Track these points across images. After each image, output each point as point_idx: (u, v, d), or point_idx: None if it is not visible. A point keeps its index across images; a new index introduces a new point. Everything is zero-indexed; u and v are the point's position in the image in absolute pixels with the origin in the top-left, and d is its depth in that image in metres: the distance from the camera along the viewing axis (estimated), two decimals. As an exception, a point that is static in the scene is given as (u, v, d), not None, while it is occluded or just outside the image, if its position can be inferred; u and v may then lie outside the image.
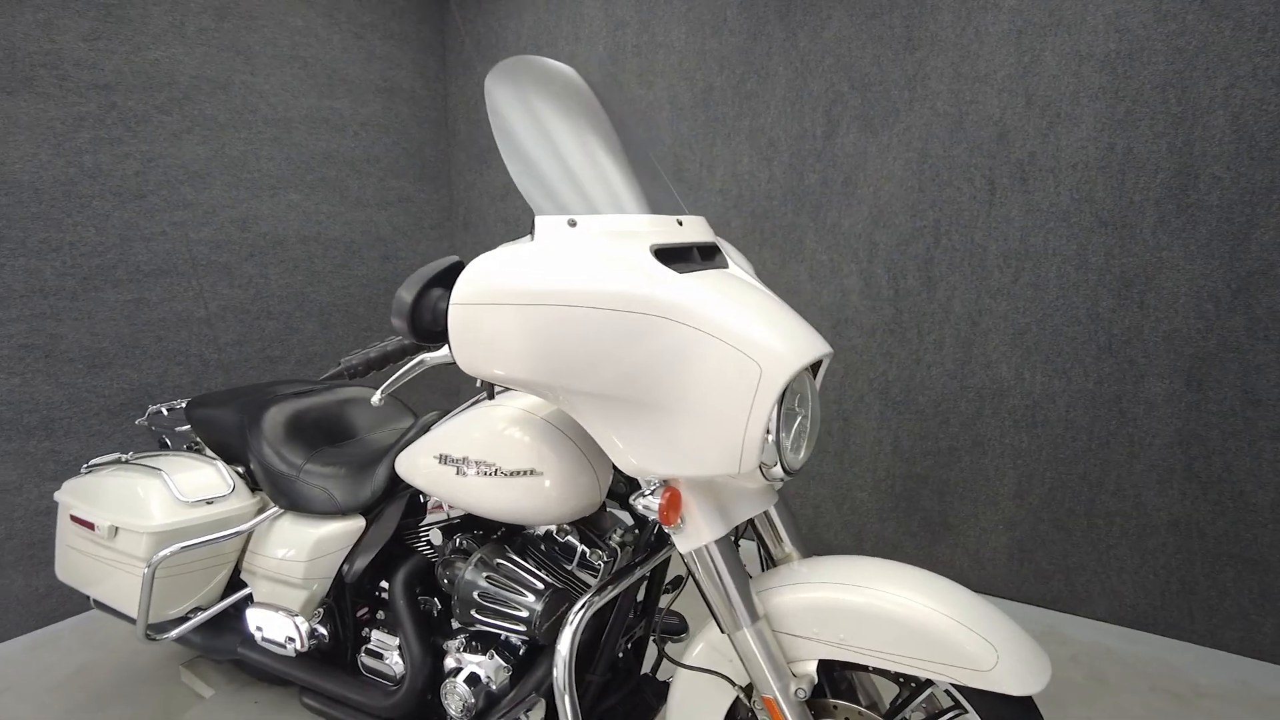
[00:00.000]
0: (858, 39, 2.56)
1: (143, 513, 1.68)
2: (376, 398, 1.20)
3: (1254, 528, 2.19)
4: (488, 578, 1.39)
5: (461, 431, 1.41)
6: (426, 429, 1.64)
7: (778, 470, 1.11)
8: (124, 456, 1.95)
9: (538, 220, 1.18)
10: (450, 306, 1.07)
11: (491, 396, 1.27)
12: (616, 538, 1.46)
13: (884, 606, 1.19)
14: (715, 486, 1.23)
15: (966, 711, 1.21)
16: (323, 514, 1.67)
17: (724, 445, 1.08)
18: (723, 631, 1.25)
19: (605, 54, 3.06)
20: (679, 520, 1.18)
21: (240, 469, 1.85)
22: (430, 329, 1.12)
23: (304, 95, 3.00)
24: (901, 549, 2.76)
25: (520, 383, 1.09)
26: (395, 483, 1.64)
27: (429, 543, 1.64)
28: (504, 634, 1.47)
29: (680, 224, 1.26)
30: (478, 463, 1.36)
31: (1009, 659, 1.11)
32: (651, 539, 1.43)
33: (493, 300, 1.05)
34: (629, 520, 1.52)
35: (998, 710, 1.17)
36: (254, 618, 1.71)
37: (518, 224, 3.41)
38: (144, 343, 2.62)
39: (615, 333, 1.06)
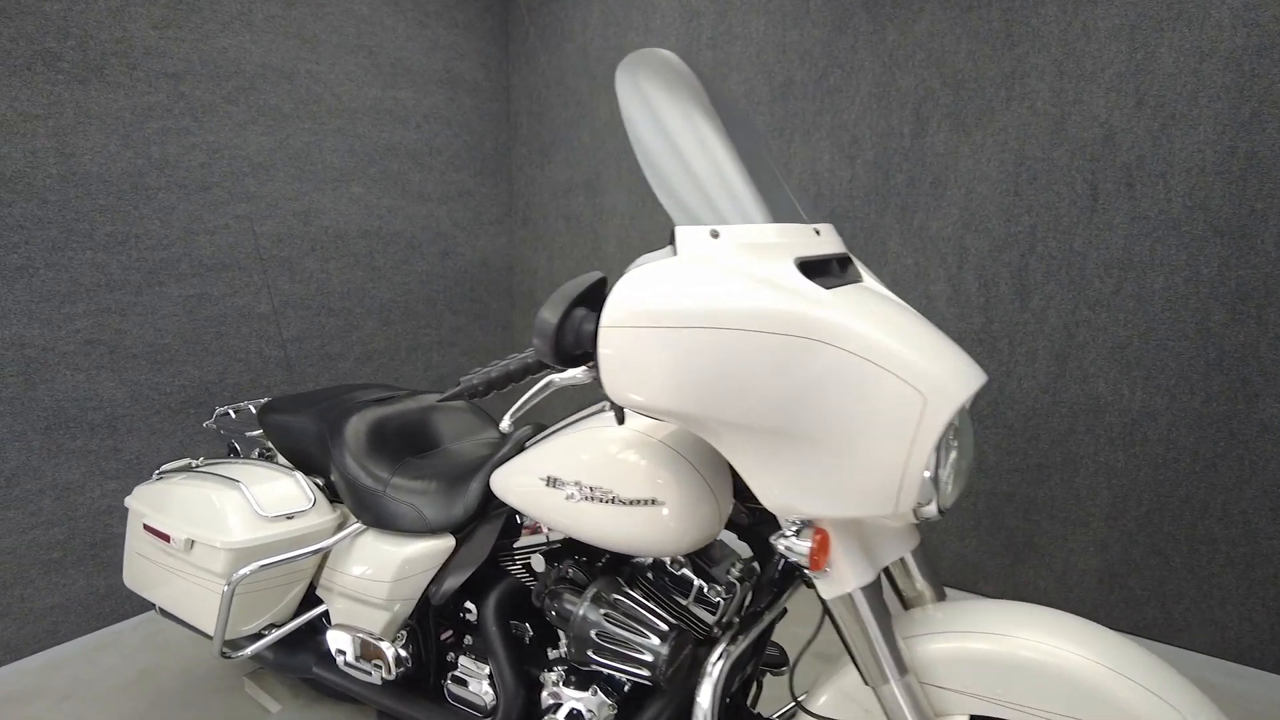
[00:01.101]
0: (952, 33, 2.43)
1: (221, 527, 1.61)
2: (506, 423, 1.11)
3: (1377, 561, 2.05)
4: (606, 615, 1.30)
5: (571, 454, 1.32)
6: (522, 446, 1.55)
7: (931, 509, 1.01)
8: (194, 462, 1.88)
9: (678, 232, 1.08)
10: (600, 330, 0.98)
11: (622, 420, 1.18)
12: (735, 571, 1.36)
13: (1049, 661, 1.08)
14: (860, 526, 1.13)
15: None
16: (410, 532, 1.59)
17: (881, 483, 0.99)
18: (867, 683, 1.15)
19: (678, 45, 2.96)
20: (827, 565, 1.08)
21: (319, 480, 1.78)
22: (570, 352, 1.03)
23: (368, 85, 2.93)
24: (981, 569, 2.64)
25: (669, 412, 1.00)
26: (488, 501, 1.56)
27: (527, 567, 1.56)
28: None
29: (818, 233, 1.16)
30: (592, 488, 1.28)
31: None
32: (776, 576, 1.33)
33: (645, 323, 0.96)
34: (743, 550, 1.43)
35: None
36: (336, 640, 1.64)
37: (579, 221, 3.32)
38: (205, 339, 2.56)
39: (768, 357, 0.97)
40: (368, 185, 2.97)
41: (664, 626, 1.26)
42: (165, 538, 1.69)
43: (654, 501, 1.24)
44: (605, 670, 1.31)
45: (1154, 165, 2.19)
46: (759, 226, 1.10)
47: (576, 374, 1.14)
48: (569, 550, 1.49)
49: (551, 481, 1.33)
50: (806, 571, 1.13)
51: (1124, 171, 2.23)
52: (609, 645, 1.27)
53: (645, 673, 1.24)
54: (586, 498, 1.28)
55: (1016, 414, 2.49)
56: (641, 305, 0.96)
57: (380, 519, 1.61)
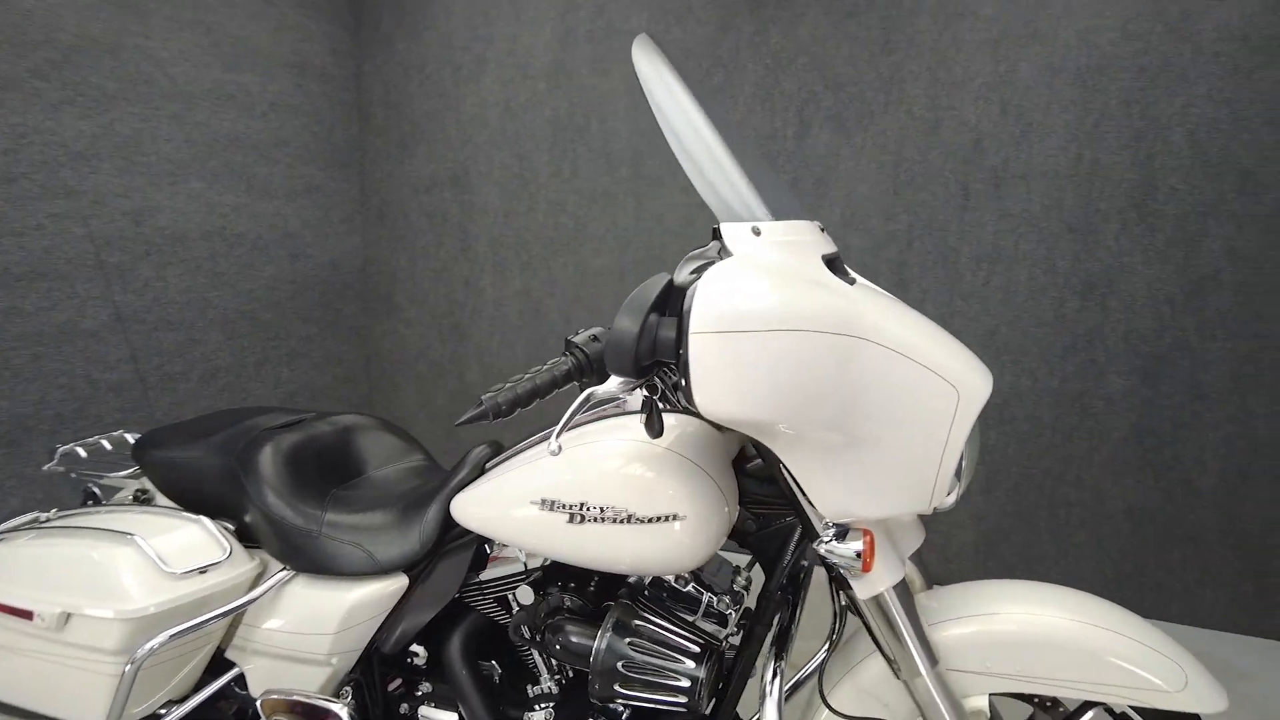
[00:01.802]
0: (833, 38, 2.54)
1: (115, 592, 1.31)
2: (555, 444, 0.99)
3: (1197, 510, 2.39)
4: (631, 644, 1.19)
5: (571, 472, 1.21)
6: (481, 468, 1.41)
7: (950, 500, 1.05)
8: (44, 516, 1.53)
9: (724, 229, 1.03)
10: (690, 336, 0.89)
11: (660, 433, 1.09)
12: (741, 580, 1.31)
13: (1057, 634, 1.14)
14: (888, 524, 1.13)
15: None
16: (352, 574, 1.39)
17: (920, 478, 1.00)
18: (899, 677, 1.15)
19: (553, 38, 2.85)
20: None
21: (228, 525, 1.51)
22: (640, 362, 0.94)
23: (207, 66, 2.56)
24: (870, 548, 2.78)
25: (756, 422, 0.93)
26: (445, 532, 1.40)
27: (500, 600, 1.42)
28: (630, 705, 1.28)
29: (822, 229, 1.13)
30: (603, 508, 1.17)
31: (1198, 680, 1.10)
32: (784, 581, 1.29)
33: (735, 326, 0.89)
34: (735, 560, 1.38)
35: None
36: (272, 709, 1.40)
37: (445, 219, 3.12)
38: (16, 362, 2.12)
39: (831, 356, 0.95)
40: (208, 180, 2.60)
41: (694, 648, 1.19)
42: (23, 614, 1.36)
43: (675, 516, 1.16)
44: (631, 704, 1.21)
45: (1017, 168, 2.41)
46: (789, 223, 1.07)
47: (612, 386, 1.04)
48: (551, 577, 1.37)
49: (549, 504, 1.21)
50: (845, 574, 1.11)
51: (991, 174, 2.44)
52: (638, 676, 1.18)
53: (682, 699, 1.16)
54: (596, 519, 1.18)
55: (900, 401, 2.65)
56: (730, 307, 0.89)
57: (316, 563, 1.40)
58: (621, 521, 1.17)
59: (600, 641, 1.19)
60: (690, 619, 1.31)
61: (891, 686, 1.23)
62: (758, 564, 1.36)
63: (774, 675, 1.13)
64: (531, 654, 1.41)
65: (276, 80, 2.81)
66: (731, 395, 0.90)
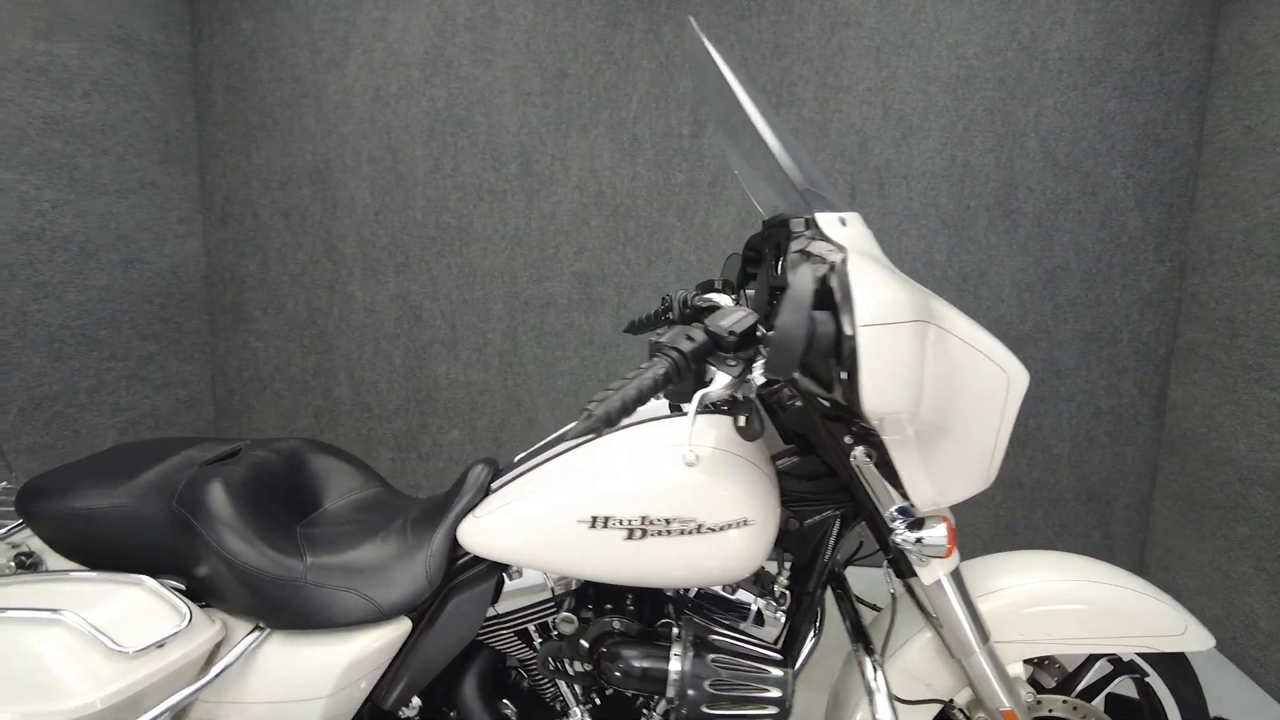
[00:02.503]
0: (726, 40, 2.58)
1: (59, 689, 1.02)
2: (691, 454, 0.89)
3: (1057, 473, 2.69)
4: (714, 660, 1.12)
5: (627, 484, 1.12)
6: (486, 489, 1.27)
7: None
8: None
9: (820, 219, 1.00)
10: (859, 330, 0.85)
11: (759, 435, 1.01)
12: (784, 581, 1.28)
13: (1074, 596, 1.23)
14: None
15: (1147, 675, 1.30)
16: (344, 624, 1.20)
17: (982, 460, 1.07)
18: (954, 655, 1.18)
19: (429, 24, 2.66)
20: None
21: (175, 583, 1.23)
22: (803, 361, 0.88)
23: (12, 30, 2.12)
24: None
25: (905, 416, 0.92)
26: (450, 565, 1.25)
27: (520, 633, 1.28)
28: None
29: (844, 223, 1.14)
30: (667, 520, 1.10)
31: (1191, 623, 1.22)
32: (825, 578, 1.27)
33: (893, 318, 0.87)
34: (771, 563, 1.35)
35: (1171, 668, 1.28)
36: None
37: (305, 218, 2.81)
38: None
39: (936, 345, 0.97)
40: (23, 171, 2.16)
41: (775, 655, 1.14)
42: None
43: (744, 522, 1.11)
44: None
45: (898, 169, 2.58)
46: (856, 214, 1.07)
47: (718, 387, 0.97)
48: (582, 601, 1.26)
49: (600, 522, 1.11)
50: (915, 561, 1.12)
51: (876, 174, 2.59)
52: (726, 693, 1.11)
53: (773, 710, 1.10)
54: (660, 532, 1.10)
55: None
56: (886, 299, 0.87)
57: (302, 616, 1.18)
58: (690, 533, 1.10)
59: (681, 663, 1.11)
60: (741, 626, 1.27)
61: (933, 667, 1.25)
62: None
63: (875, 669, 1.11)
64: (556, 686, 1.28)
65: (100, 55, 2.38)
66: (896, 387, 0.87)
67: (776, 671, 1.12)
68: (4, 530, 1.29)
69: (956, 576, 1.15)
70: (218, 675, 1.15)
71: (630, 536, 1.11)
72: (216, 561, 1.17)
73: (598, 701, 1.28)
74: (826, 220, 1.00)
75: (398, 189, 2.76)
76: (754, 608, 1.24)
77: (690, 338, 0.98)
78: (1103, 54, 2.45)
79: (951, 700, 1.26)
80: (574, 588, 1.25)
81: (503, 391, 2.84)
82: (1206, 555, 2.30)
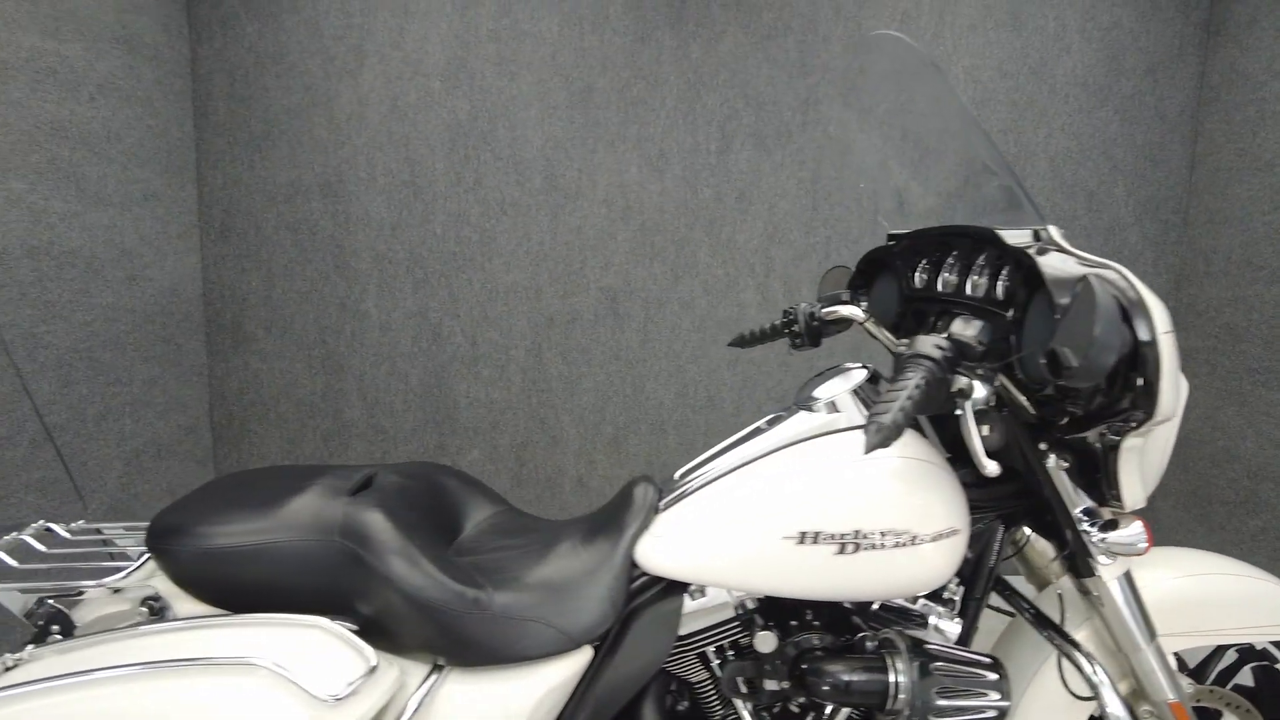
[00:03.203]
0: (753, 58, 2.61)
1: None
2: (993, 467, 0.89)
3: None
4: (938, 669, 1.12)
5: (834, 498, 1.12)
6: (654, 507, 1.25)
7: None
8: (13, 658, 1.05)
9: (1051, 229, 1.04)
10: (1159, 337, 0.88)
11: (998, 443, 1.02)
12: (953, 586, 1.30)
13: (1215, 588, 1.30)
14: None
15: (1278, 662, 1.38)
16: (526, 658, 1.14)
17: (1165, 462, 1.12)
18: (1119, 651, 1.22)
19: (450, 34, 2.59)
20: None
21: (345, 623, 1.14)
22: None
23: (22, 28, 1.95)
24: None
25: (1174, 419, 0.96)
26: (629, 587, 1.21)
27: (701, 656, 1.26)
28: None
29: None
30: (883, 533, 1.10)
31: None
32: (990, 583, 1.30)
33: (1172, 324, 0.90)
34: None
35: None
36: None
37: (314, 233, 2.68)
38: None
39: None
40: (32, 180, 1.98)
41: (986, 660, 1.15)
42: None
43: (953, 532, 1.13)
44: None
45: (918, 186, 2.67)
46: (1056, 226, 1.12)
47: (981, 394, 0.98)
48: (767, 616, 1.25)
49: (810, 537, 1.11)
50: (1101, 560, 1.16)
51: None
52: (951, 703, 1.11)
53: (993, 714, 1.12)
54: (874, 545, 1.10)
55: (822, 404, 2.79)
56: (1161, 305, 0.90)
57: (488, 651, 1.12)
58: (903, 545, 1.10)
59: (906, 675, 1.11)
60: (910, 632, 1.27)
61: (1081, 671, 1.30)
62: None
63: (1094, 665, 1.14)
64: (725, 707, 1.26)
65: (104, 57, 2.21)
66: (1180, 390, 0.92)
67: (993, 675, 1.14)
68: (124, 574, 1.17)
69: (1128, 575, 1.20)
70: (414, 717, 1.08)
71: (842, 551, 1.11)
72: (394, 597, 1.10)
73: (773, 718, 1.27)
74: (1056, 231, 1.04)
75: (416, 203, 2.67)
76: (932, 616, 1.26)
77: (940, 347, 0.99)
78: (1104, 80, 2.61)
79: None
80: (752, 606, 1.24)
81: (526, 409, 2.78)
82: (1216, 547, 2.47)
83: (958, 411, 1.03)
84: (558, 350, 2.76)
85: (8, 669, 1.04)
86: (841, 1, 2.58)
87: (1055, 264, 1.02)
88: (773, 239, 2.70)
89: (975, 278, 1.29)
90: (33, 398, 1.65)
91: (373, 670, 1.05)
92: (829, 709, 1.24)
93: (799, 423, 1.28)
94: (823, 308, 1.55)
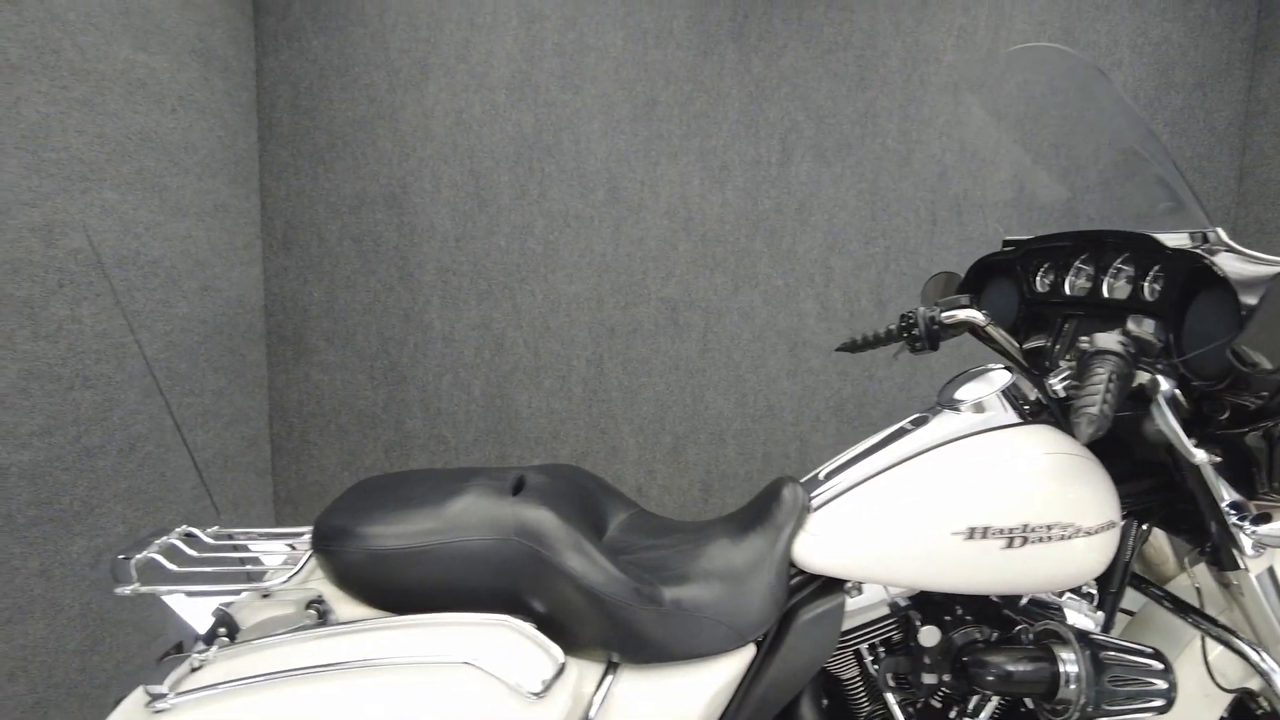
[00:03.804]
0: (813, 72, 2.66)
1: None
2: (1202, 455, 0.92)
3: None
4: (1108, 658, 1.14)
5: (998, 493, 1.15)
6: (806, 506, 1.27)
7: None
8: (201, 656, 1.05)
9: (1220, 232, 1.08)
10: None
11: (1159, 436, 1.05)
12: (1091, 581, 1.32)
13: None
14: None
15: None
16: (696, 655, 1.16)
17: None
18: (1261, 643, 1.25)
19: (516, 48, 2.62)
20: None
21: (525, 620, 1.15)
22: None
23: (118, 40, 1.95)
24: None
25: None
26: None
27: (856, 653, 1.27)
28: None
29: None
30: (1049, 527, 1.13)
31: None
32: (1125, 578, 1.33)
33: None
34: None
35: None
36: None
37: (378, 244, 2.69)
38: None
39: None
40: (123, 190, 1.98)
41: (1149, 650, 1.18)
42: None
43: (1112, 524, 1.16)
44: None
45: (975, 198, 2.72)
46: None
47: (1167, 387, 1.01)
48: (921, 610, 1.27)
49: (979, 532, 1.14)
50: (1246, 553, 1.19)
51: (954, 202, 2.72)
52: (1121, 689, 1.13)
53: (1160, 703, 1.14)
54: (1041, 539, 1.13)
55: (880, 411, 2.83)
56: None
57: (663, 648, 1.13)
58: (1069, 538, 1.13)
59: (1077, 664, 1.13)
60: (1052, 626, 1.30)
61: (1225, 656, 1.33)
62: None
63: (1259, 652, 1.17)
64: (874, 704, 1.28)
65: (185, 69, 2.22)
66: None
67: (1158, 664, 1.16)
68: (287, 577, 1.17)
69: (1271, 568, 1.23)
70: (596, 715, 1.09)
71: (1010, 545, 1.13)
72: (574, 593, 1.11)
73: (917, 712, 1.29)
74: (1223, 233, 1.09)
75: (480, 215, 2.68)
76: (1072, 609, 1.28)
77: (1122, 343, 1.02)
78: (1155, 93, 2.68)
79: (1247, 688, 1.34)
80: (904, 603, 1.26)
81: (586, 419, 2.79)
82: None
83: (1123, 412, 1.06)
84: (618, 360, 2.77)
85: (195, 669, 1.04)
86: (900, 18, 2.64)
87: (1232, 265, 1.05)
88: (832, 249, 2.74)
89: (1112, 280, 1.33)
90: (172, 409, 1.65)
91: (563, 667, 1.06)
92: (971, 704, 1.27)
93: (947, 423, 1.31)
94: (942, 311, 1.58)
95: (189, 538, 1.27)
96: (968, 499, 1.15)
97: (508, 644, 1.05)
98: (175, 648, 1.17)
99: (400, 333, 2.73)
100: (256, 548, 1.33)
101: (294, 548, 1.30)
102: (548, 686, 1.02)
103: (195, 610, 1.20)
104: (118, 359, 1.96)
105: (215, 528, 1.33)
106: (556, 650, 1.07)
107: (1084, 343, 1.06)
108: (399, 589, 1.13)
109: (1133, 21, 2.64)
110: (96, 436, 1.89)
